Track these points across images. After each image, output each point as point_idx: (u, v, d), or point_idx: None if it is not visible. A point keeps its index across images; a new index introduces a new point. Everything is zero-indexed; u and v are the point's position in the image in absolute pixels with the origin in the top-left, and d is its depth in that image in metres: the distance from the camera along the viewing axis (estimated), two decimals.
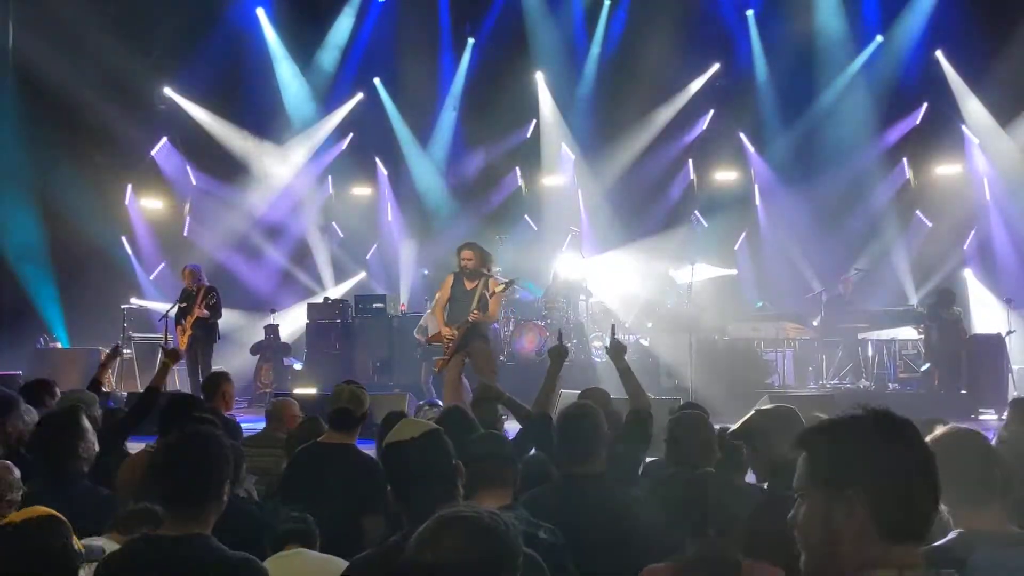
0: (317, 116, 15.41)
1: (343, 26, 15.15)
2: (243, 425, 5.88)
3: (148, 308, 13.54)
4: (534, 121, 15.75)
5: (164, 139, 15.06)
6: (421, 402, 7.20)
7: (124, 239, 14.81)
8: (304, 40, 15.09)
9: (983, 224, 14.48)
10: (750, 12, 14.95)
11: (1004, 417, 10.05)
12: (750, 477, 3.64)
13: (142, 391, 5.62)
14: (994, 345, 10.87)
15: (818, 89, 14.68)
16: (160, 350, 8.48)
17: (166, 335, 10.58)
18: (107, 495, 3.53)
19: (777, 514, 1.77)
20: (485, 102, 15.31)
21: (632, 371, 4.47)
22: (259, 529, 3.08)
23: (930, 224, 14.72)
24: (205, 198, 15.29)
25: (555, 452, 3.37)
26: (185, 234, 15.15)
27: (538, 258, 13.83)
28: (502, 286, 8.13)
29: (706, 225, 15.26)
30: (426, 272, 14.27)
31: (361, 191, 16.29)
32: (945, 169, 14.93)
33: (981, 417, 10.31)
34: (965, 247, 14.52)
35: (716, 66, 15.13)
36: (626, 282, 13.39)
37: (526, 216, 15.69)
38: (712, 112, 15.33)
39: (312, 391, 10.75)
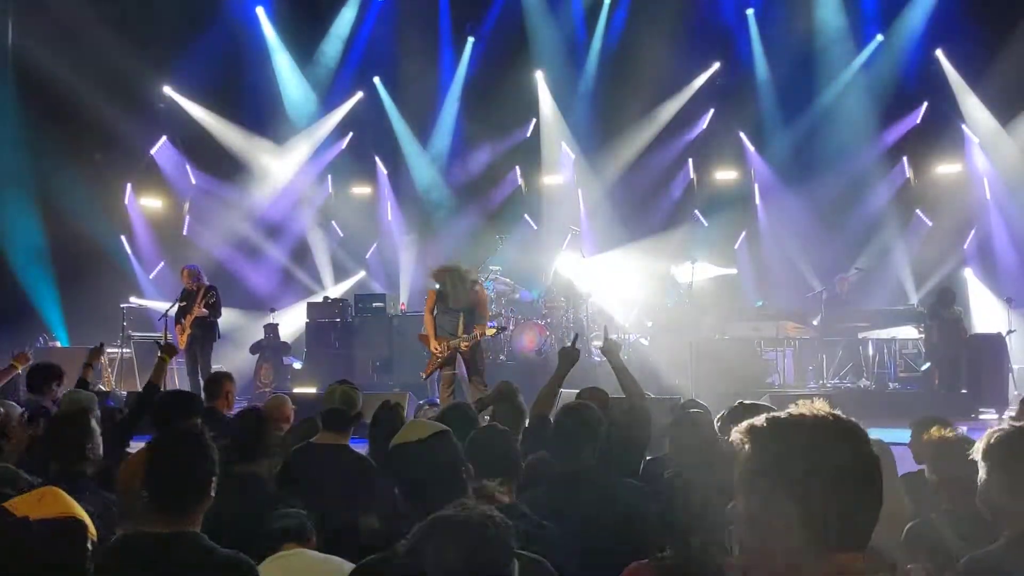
0: (317, 115, 15.40)
1: (343, 25, 15.13)
2: None
3: (148, 307, 13.52)
4: (534, 120, 15.74)
5: (164, 138, 15.05)
6: (421, 401, 7.21)
7: (124, 238, 14.81)
8: (304, 39, 15.08)
9: (983, 223, 14.47)
10: (750, 11, 14.94)
11: (1005, 416, 10.10)
12: None
13: (141, 390, 5.61)
14: (995, 344, 10.86)
15: (818, 88, 14.66)
16: (157, 346, 8.49)
17: (165, 334, 10.56)
18: (111, 499, 3.51)
19: None
20: (485, 101, 15.30)
21: (627, 368, 4.45)
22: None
23: (930, 223, 14.71)
24: (205, 197, 15.29)
25: (551, 451, 3.39)
26: (185, 233, 15.15)
27: (538, 257, 13.81)
28: (493, 330, 8.44)
29: (706, 224, 15.27)
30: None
31: (361, 190, 16.29)
32: (945, 168, 14.92)
33: (981, 417, 10.31)
34: (965, 246, 14.51)
35: (716, 65, 15.12)
36: (626, 281, 13.37)
37: (526, 215, 15.69)
38: (712, 111, 15.32)
39: (312, 390, 10.75)
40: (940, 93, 14.43)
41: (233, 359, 13.04)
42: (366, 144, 15.81)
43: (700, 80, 15.19)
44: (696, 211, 15.44)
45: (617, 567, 2.46)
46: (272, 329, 13.11)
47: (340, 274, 15.91)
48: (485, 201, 15.68)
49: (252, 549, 2.67)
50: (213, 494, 2.53)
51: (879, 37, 14.45)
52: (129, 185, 14.97)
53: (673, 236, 14.00)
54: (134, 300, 13.76)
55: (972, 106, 14.27)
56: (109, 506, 3.36)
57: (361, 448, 4.15)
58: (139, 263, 14.90)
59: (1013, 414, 9.99)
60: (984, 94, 14.03)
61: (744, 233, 15.40)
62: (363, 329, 12.83)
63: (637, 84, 14.41)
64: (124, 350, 12.26)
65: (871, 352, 11.75)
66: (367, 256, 16.18)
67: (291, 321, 14.20)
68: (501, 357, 12.15)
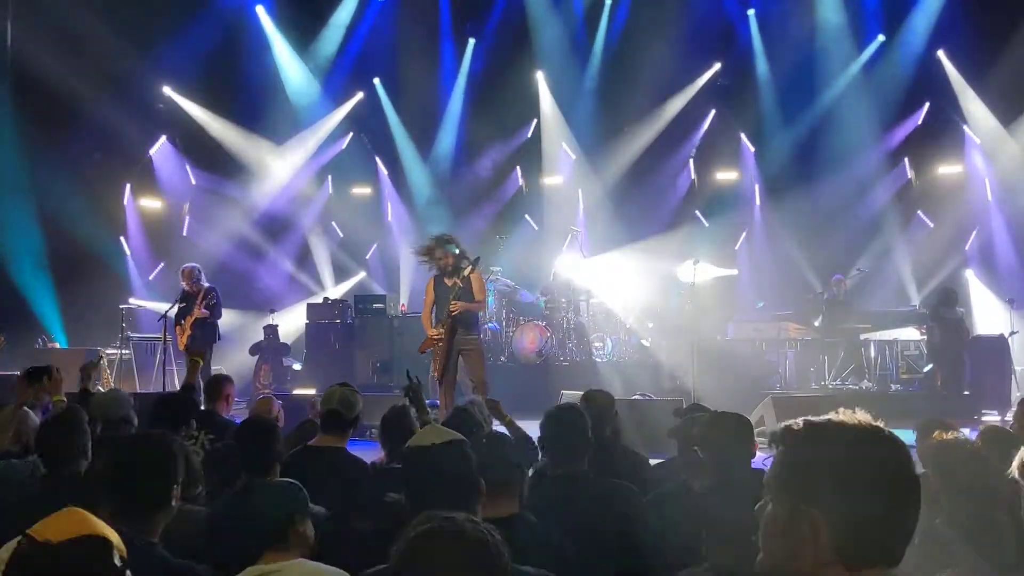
0: (317, 115, 15.37)
1: (344, 25, 15.09)
2: None
3: (147, 308, 13.47)
4: (535, 121, 15.72)
5: (163, 138, 15.01)
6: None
7: (123, 239, 14.76)
8: (305, 39, 15.05)
9: (985, 225, 14.42)
10: (751, 11, 14.92)
11: (1008, 418, 10.07)
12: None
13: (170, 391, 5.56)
14: (997, 346, 10.84)
15: (819, 89, 14.63)
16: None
17: (164, 335, 10.52)
18: None
19: None
20: (486, 102, 15.28)
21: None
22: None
23: (932, 224, 14.67)
24: (205, 197, 15.24)
25: (543, 452, 3.36)
26: (184, 234, 15.09)
27: (539, 258, 13.78)
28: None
29: (707, 225, 15.24)
30: None
31: (361, 190, 16.25)
32: (947, 169, 14.89)
33: (984, 418, 10.27)
34: (967, 247, 14.47)
35: (717, 65, 15.09)
36: (627, 282, 13.34)
37: (527, 216, 15.66)
38: (713, 112, 15.29)
39: (311, 392, 10.71)
40: (941, 94, 14.40)
41: (233, 360, 13.00)
42: (366, 144, 15.76)
43: (701, 81, 15.16)
44: (697, 211, 15.41)
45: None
46: (272, 330, 13.07)
47: (340, 275, 15.88)
48: (486, 201, 15.63)
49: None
50: (176, 503, 2.48)
51: (880, 37, 14.43)
52: (128, 186, 14.92)
53: (674, 237, 13.96)
54: (133, 301, 13.72)
55: (974, 107, 14.24)
56: None
57: (365, 451, 4.10)
58: (138, 264, 14.86)
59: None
60: (986, 95, 14.00)
61: (744, 234, 15.36)
62: (363, 330, 12.79)
63: (638, 84, 14.38)
64: (123, 351, 12.20)
65: (873, 354, 11.71)
66: (367, 257, 16.14)
67: (291, 321, 14.17)
68: (502, 359, 12.12)
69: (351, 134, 15.73)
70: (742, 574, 2.42)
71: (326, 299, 13.67)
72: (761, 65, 14.97)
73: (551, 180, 15.85)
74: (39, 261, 13.32)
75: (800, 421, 1.47)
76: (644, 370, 11.38)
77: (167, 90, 14.60)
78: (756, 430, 8.24)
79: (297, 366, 13.17)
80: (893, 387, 11.50)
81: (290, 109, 15.17)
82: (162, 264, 14.58)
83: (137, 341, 12.39)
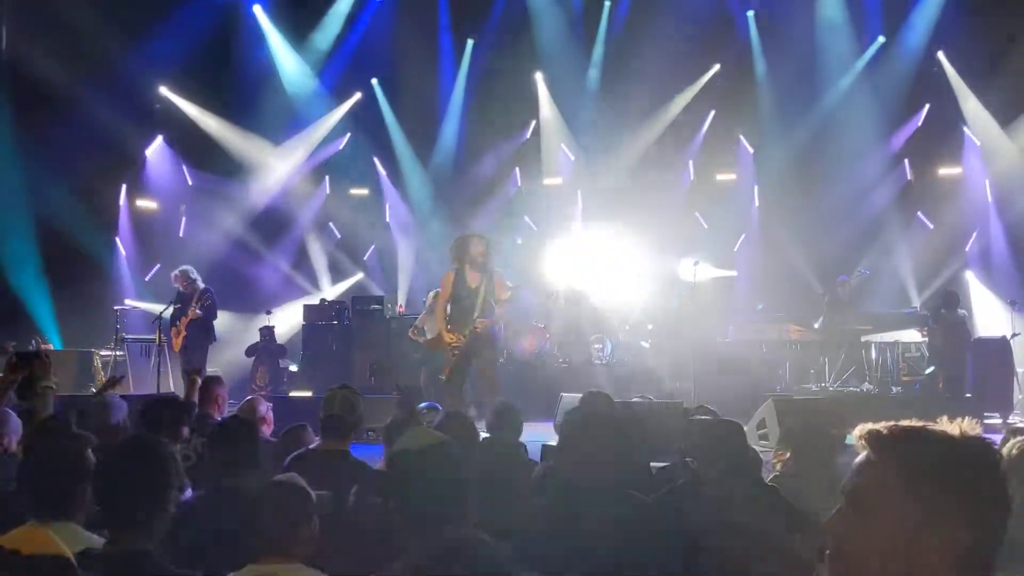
0: (315, 115, 15.29)
1: (342, 25, 15.02)
2: None
3: (142, 309, 13.36)
4: (534, 122, 15.65)
5: (159, 138, 14.90)
6: (421, 405, 7.06)
7: (118, 240, 14.64)
8: (303, 38, 14.98)
9: (985, 226, 14.36)
10: (751, 13, 14.87)
11: (1011, 420, 10.00)
12: None
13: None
14: (999, 348, 10.76)
15: (819, 90, 14.57)
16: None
17: (159, 337, 10.42)
18: None
19: None
20: (485, 103, 15.22)
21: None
22: None
23: (932, 226, 14.61)
24: (201, 198, 15.12)
25: (559, 461, 3.21)
26: (181, 235, 14.97)
27: (538, 259, 13.70)
28: (509, 293, 7.56)
29: (706, 226, 15.17)
30: None
31: (359, 191, 16.14)
32: (947, 171, 14.83)
33: (986, 421, 10.19)
34: (967, 249, 14.41)
35: (716, 67, 15.04)
36: (627, 284, 13.27)
37: (526, 217, 15.58)
38: (713, 113, 15.23)
39: (308, 394, 10.62)
40: (942, 95, 14.35)
41: (228, 362, 12.90)
42: (365, 145, 15.68)
43: (701, 82, 15.11)
44: (696, 213, 15.34)
45: None
46: (268, 332, 12.97)
47: (337, 276, 15.80)
48: (485, 202, 15.53)
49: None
50: (172, 507, 2.39)
51: (880, 39, 14.37)
52: (124, 186, 14.80)
53: (673, 238, 13.88)
54: (128, 302, 13.61)
55: (973, 108, 14.19)
56: None
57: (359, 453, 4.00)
58: (134, 265, 14.74)
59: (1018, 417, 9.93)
60: (985, 96, 13.95)
61: (744, 235, 15.29)
62: (360, 332, 12.69)
63: (637, 85, 14.31)
64: (117, 353, 12.09)
65: (874, 355, 11.63)
66: (365, 258, 16.06)
67: (287, 322, 14.08)
68: (500, 360, 12.01)
69: (349, 134, 15.64)
70: None
71: (323, 300, 13.59)
72: (760, 66, 14.93)
73: (550, 181, 15.78)
74: (34, 262, 13.20)
75: (903, 428, 1.36)
76: (644, 372, 11.30)
77: (163, 90, 14.50)
78: (758, 432, 8.20)
79: (294, 368, 13.08)
80: (894, 389, 11.42)
81: (288, 109, 15.10)
82: (158, 266, 14.45)
83: (131, 343, 12.27)
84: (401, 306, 14.46)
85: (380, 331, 12.62)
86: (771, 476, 3.92)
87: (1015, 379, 10.82)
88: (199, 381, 5.23)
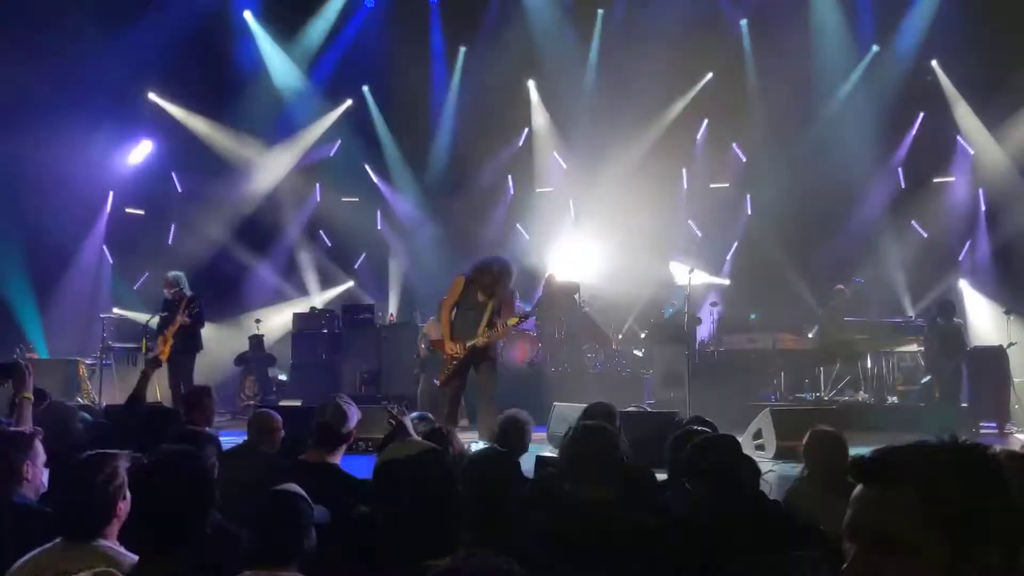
0: (305, 121, 15.18)
1: (334, 32, 14.94)
2: (226, 438, 5.69)
3: (128, 318, 13.18)
4: (526, 130, 15.58)
5: (148, 144, 14.73)
6: (413, 415, 6.93)
7: (105, 247, 14.46)
8: (293, 46, 14.88)
9: (978, 234, 14.33)
10: (744, 21, 14.85)
11: (1008, 430, 9.94)
12: None
13: (123, 403, 5.34)
14: (995, 357, 10.69)
15: (813, 98, 14.53)
16: (141, 358, 8.15)
17: (144, 345, 10.26)
18: None
19: None
20: (478, 110, 15.14)
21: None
22: None
23: (925, 234, 14.57)
24: (190, 206, 14.96)
25: (565, 475, 3.08)
26: (170, 242, 14.80)
27: (531, 267, 13.60)
28: (516, 319, 7.50)
29: (699, 234, 15.11)
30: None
31: (350, 199, 16.00)
32: (940, 179, 14.79)
33: (983, 431, 10.13)
34: (960, 258, 14.37)
35: (710, 75, 15.00)
36: (620, 292, 13.19)
37: (518, 225, 15.48)
38: (706, 122, 15.18)
39: (298, 403, 10.49)
40: (935, 104, 14.33)
41: (217, 371, 12.76)
42: (356, 152, 15.56)
43: (694, 90, 15.06)
44: (690, 221, 15.27)
45: None
46: (257, 341, 12.84)
47: (327, 284, 15.66)
48: (477, 210, 15.42)
49: None
50: (209, 529, 2.26)
51: (874, 48, 14.36)
52: (111, 193, 14.62)
53: (666, 246, 13.80)
54: (116, 311, 13.43)
55: (967, 117, 14.19)
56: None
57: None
58: (122, 273, 14.55)
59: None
60: (979, 105, 13.94)
61: (736, 244, 15.22)
62: (351, 340, 12.57)
63: (631, 93, 14.25)
64: (104, 361, 11.91)
65: (869, 365, 11.56)
66: (356, 266, 15.93)
67: (276, 331, 13.94)
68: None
69: (340, 141, 15.53)
70: None
71: (313, 308, 13.46)
72: (753, 75, 14.89)
73: (543, 189, 15.69)
74: (20, 268, 13.03)
75: (909, 446, 1.25)
76: (637, 381, 11.21)
77: (152, 96, 14.37)
78: (754, 443, 8.09)
79: (283, 377, 12.94)
80: (890, 399, 11.35)
81: (278, 114, 14.98)
82: (147, 274, 14.28)
83: (118, 351, 12.09)
84: (392, 315, 14.33)
85: (371, 340, 12.49)
86: (789, 486, 3.82)
87: (1011, 389, 10.74)
88: (149, 376, 5.07)
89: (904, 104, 14.42)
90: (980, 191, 14.36)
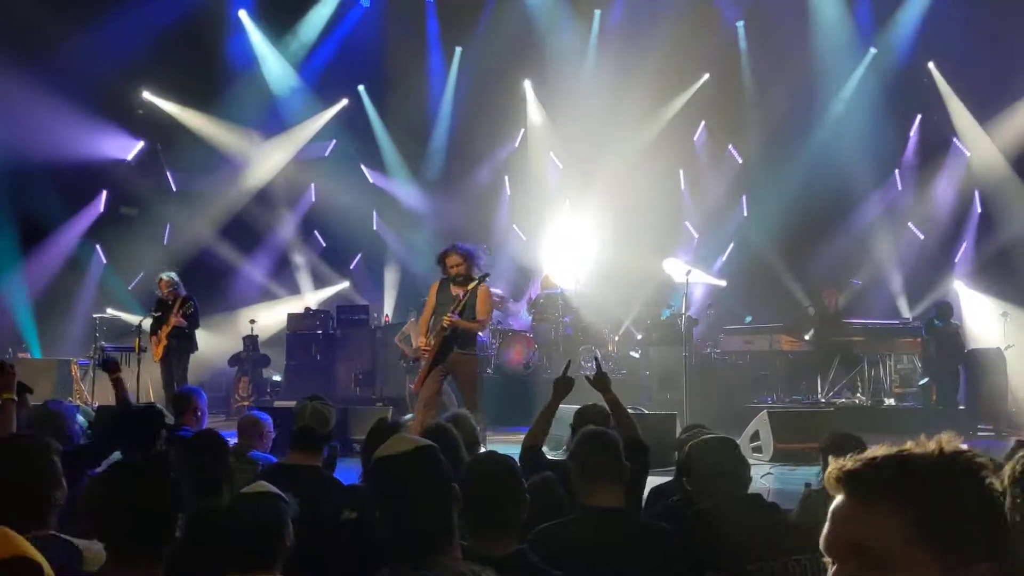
0: (300, 121, 15.10)
1: (329, 31, 14.87)
2: None
3: (121, 318, 13.09)
4: (523, 130, 15.53)
5: (142, 144, 14.65)
6: (406, 417, 6.89)
7: (99, 247, 14.36)
8: (288, 46, 14.80)
9: (975, 236, 14.30)
10: (740, 23, 14.83)
11: (1005, 433, 9.89)
12: None
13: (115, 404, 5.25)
14: (993, 359, 10.67)
15: (809, 100, 14.48)
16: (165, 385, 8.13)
17: (138, 345, 10.19)
18: None
19: None
20: (474, 111, 15.09)
21: (621, 404, 4.09)
22: None
23: (922, 236, 14.54)
24: (185, 205, 14.87)
25: (572, 482, 3.02)
26: (165, 242, 14.69)
27: (526, 269, 13.55)
28: (491, 305, 7.32)
29: (696, 235, 15.07)
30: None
31: (346, 199, 15.90)
32: (937, 181, 14.76)
33: (980, 434, 10.10)
34: (957, 260, 14.34)
35: (706, 76, 14.96)
36: (616, 293, 13.14)
37: (514, 226, 15.42)
38: (703, 123, 15.14)
39: (292, 404, 10.39)
40: (932, 106, 14.32)
41: (211, 372, 12.68)
42: (351, 152, 15.49)
43: (691, 91, 15.03)
44: (686, 222, 15.23)
45: None
46: (251, 341, 12.76)
47: (322, 285, 15.58)
48: (473, 211, 15.36)
49: None
50: (178, 533, 2.21)
51: (872, 50, 14.33)
52: (105, 192, 14.52)
53: (663, 248, 13.74)
54: (109, 311, 13.33)
55: (963, 118, 14.15)
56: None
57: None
58: (117, 273, 14.43)
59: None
60: (975, 107, 13.92)
61: (732, 245, 15.17)
62: (345, 341, 12.52)
63: (627, 94, 14.18)
64: (97, 361, 11.81)
65: (866, 367, 11.52)
66: (351, 267, 15.85)
67: (271, 331, 13.86)
68: (488, 371, 11.85)
69: (334, 141, 15.45)
70: None
71: (308, 309, 13.39)
72: (750, 76, 14.87)
73: (539, 189, 15.62)
74: (14, 268, 12.94)
75: (896, 455, 1.18)
76: (634, 383, 11.15)
77: (146, 94, 14.28)
78: (751, 445, 8.05)
79: (277, 377, 12.87)
80: (887, 401, 11.31)
81: (272, 116, 14.90)
82: (142, 274, 14.17)
83: (111, 351, 12.00)
84: (387, 316, 14.26)
85: (366, 341, 12.44)
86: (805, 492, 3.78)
87: (1009, 390, 10.72)
88: (117, 378, 4.99)
89: (901, 106, 14.40)
90: (976, 193, 14.33)
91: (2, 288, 12.86)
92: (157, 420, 4.13)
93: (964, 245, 14.36)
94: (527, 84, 15.34)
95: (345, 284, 15.64)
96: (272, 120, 14.94)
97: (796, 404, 11.10)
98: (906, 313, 13.76)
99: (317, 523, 2.98)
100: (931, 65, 14.21)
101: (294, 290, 15.39)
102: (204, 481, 3.11)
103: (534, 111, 15.44)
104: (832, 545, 1.17)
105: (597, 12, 15.01)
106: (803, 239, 14.11)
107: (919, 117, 14.58)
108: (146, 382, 10.83)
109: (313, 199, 15.79)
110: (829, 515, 1.19)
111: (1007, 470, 2.28)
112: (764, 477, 6.80)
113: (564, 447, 5.34)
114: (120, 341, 11.97)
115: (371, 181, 15.79)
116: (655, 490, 4.02)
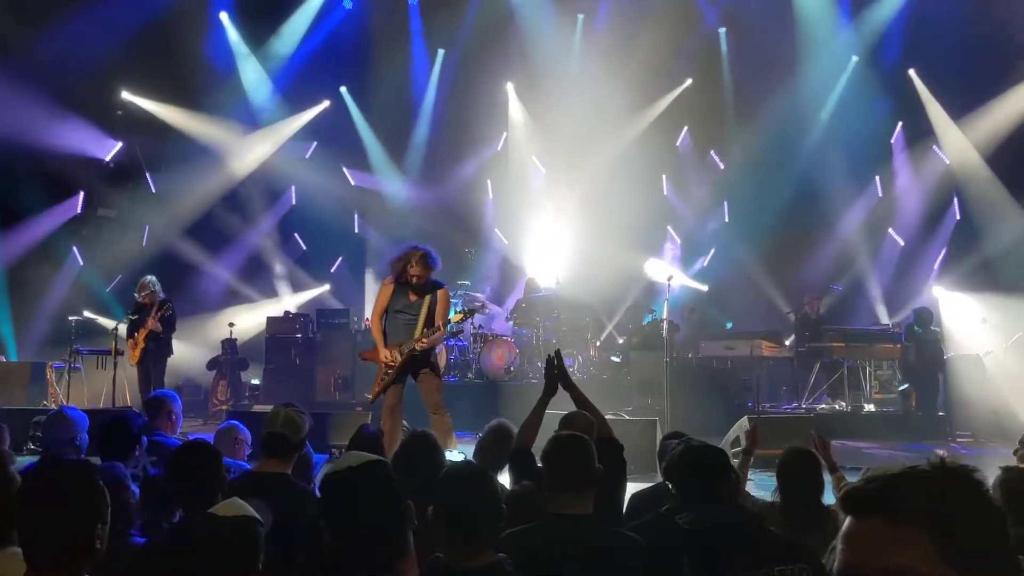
0: (280, 123, 14.98)
1: (311, 35, 14.78)
2: None
3: (98, 321, 12.93)
4: (505, 133, 15.49)
5: (120, 144, 14.47)
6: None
7: (75, 248, 14.17)
8: (269, 47, 14.70)
9: (955, 243, 14.38)
10: (723, 30, 14.87)
11: (983, 440, 9.93)
12: None
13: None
14: (972, 366, 10.72)
15: (790, 107, 14.52)
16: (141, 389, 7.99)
17: (114, 348, 10.05)
18: None
19: None
20: (456, 114, 15.03)
21: (587, 399, 4.04)
22: None
23: (902, 242, 14.61)
24: (165, 207, 14.69)
25: (543, 488, 2.96)
26: (144, 244, 14.51)
27: (508, 273, 13.49)
28: (460, 316, 7.22)
29: (678, 240, 15.08)
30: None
31: (325, 201, 15.77)
32: (917, 187, 14.85)
33: (959, 440, 10.14)
34: (936, 266, 14.42)
35: (688, 81, 14.99)
36: (598, 298, 13.11)
37: (496, 230, 15.36)
38: (686, 128, 15.16)
39: (270, 408, 10.29)
40: (912, 113, 14.40)
41: (188, 375, 12.54)
42: (332, 154, 15.37)
43: (672, 96, 15.05)
44: (669, 227, 15.24)
45: None
46: (230, 344, 12.63)
47: (301, 288, 15.44)
48: (455, 215, 15.27)
49: None
50: (101, 544, 2.13)
51: (854, 58, 14.40)
52: (82, 193, 14.34)
53: (645, 252, 13.74)
54: (86, 313, 13.15)
55: (944, 125, 14.25)
56: None
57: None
58: (95, 275, 14.24)
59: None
60: (956, 114, 14.01)
61: (713, 251, 15.19)
62: (325, 345, 12.42)
63: (610, 99, 14.18)
64: (73, 364, 11.65)
65: (846, 373, 11.55)
66: (332, 270, 15.73)
67: (249, 334, 13.73)
68: (469, 375, 11.80)
69: (316, 143, 15.33)
70: None
71: (287, 313, 13.27)
72: (731, 82, 14.91)
73: (521, 193, 15.57)
74: None
75: (907, 474, 1.16)
76: (615, 388, 11.12)
77: (125, 94, 14.13)
78: (732, 451, 8.02)
79: (256, 381, 12.74)
80: (867, 407, 11.34)
81: (252, 118, 14.77)
82: (120, 276, 14.00)
83: (87, 354, 11.84)
84: (368, 319, 14.14)
85: (346, 345, 12.34)
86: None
87: (987, 397, 10.76)
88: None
89: (882, 113, 14.48)
90: (956, 199, 14.42)
91: None
92: (136, 427, 4.04)
93: (944, 251, 14.45)
94: (510, 87, 15.31)
95: (325, 287, 15.51)
96: (252, 122, 14.82)
97: (777, 409, 11.12)
98: (886, 319, 13.81)
99: (285, 532, 2.92)
100: (912, 72, 14.30)
101: (272, 293, 15.25)
102: (196, 492, 3.02)
103: (516, 114, 15.40)
104: (857, 569, 1.14)
105: (580, 17, 15.01)
106: (784, 245, 14.16)
107: (900, 124, 14.65)
108: (122, 385, 10.69)
109: (293, 201, 15.66)
110: (846, 538, 1.16)
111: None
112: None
113: None
114: (96, 344, 11.81)
115: (353, 183, 15.68)
116: (637, 495, 3.97)
